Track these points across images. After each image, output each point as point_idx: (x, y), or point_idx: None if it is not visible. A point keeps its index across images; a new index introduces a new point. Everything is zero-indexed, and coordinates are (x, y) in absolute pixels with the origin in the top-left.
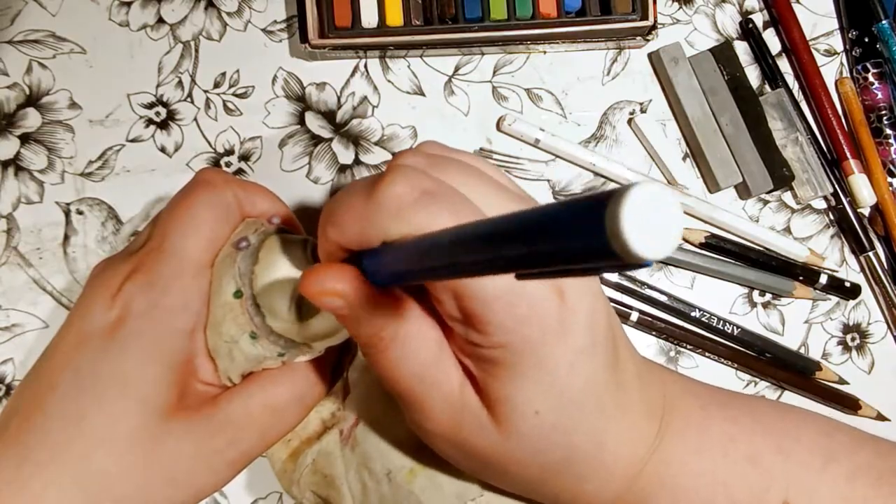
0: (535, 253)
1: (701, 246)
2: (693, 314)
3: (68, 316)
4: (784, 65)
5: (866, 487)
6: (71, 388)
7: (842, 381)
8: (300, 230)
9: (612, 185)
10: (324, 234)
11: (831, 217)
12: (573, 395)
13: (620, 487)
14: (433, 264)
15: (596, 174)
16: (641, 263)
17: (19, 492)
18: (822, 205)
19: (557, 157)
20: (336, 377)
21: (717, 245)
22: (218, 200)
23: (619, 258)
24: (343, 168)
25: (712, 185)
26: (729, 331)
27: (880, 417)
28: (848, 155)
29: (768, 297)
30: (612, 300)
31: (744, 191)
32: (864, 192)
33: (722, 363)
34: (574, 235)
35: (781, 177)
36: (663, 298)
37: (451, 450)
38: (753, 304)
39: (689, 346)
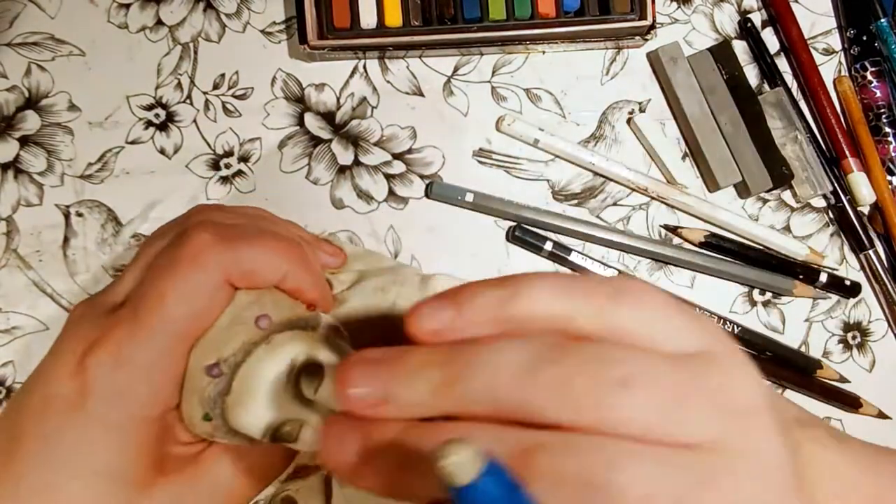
0: None
1: (701, 245)
2: None
3: (38, 365)
4: (783, 64)
5: None
6: (39, 456)
7: (843, 380)
8: (307, 291)
9: (612, 185)
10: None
11: (831, 215)
12: None
13: None
14: None
15: (595, 174)
16: None
17: None
18: (821, 203)
19: (557, 156)
20: None
21: (716, 244)
22: (203, 283)
23: None
24: (343, 169)
25: (712, 184)
26: (729, 329)
27: (881, 415)
28: (847, 153)
29: (768, 295)
30: None
31: (743, 190)
32: (864, 190)
33: None
34: None
35: (781, 175)
36: None
37: None
38: (754, 303)
39: None
